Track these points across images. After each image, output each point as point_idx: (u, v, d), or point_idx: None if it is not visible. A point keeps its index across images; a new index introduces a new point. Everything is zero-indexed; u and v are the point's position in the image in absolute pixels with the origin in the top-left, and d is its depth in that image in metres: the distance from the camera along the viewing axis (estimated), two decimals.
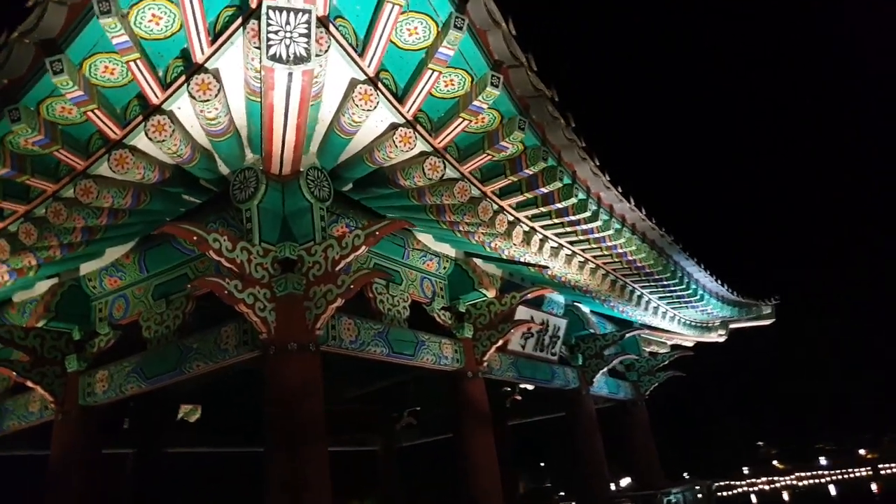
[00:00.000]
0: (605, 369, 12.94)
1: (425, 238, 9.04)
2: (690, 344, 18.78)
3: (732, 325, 19.03)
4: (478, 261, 9.99)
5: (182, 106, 5.51)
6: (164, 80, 5.35)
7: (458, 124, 6.20)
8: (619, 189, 8.24)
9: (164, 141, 5.61)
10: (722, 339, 19.29)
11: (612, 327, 15.06)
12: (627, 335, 13.08)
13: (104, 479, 8.43)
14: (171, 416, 12.99)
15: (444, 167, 6.54)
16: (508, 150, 6.64)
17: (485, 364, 9.34)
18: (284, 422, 6.21)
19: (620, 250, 9.67)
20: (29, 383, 7.87)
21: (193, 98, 5.08)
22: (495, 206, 7.51)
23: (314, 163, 6.89)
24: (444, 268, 9.48)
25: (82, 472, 7.82)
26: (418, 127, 6.33)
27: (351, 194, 7.72)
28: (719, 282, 13.61)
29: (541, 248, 8.69)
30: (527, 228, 8.25)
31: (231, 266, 6.23)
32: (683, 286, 12.14)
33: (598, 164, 7.37)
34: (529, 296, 9.43)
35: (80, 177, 6.19)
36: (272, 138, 5.85)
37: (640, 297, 12.37)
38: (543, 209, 7.79)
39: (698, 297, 13.05)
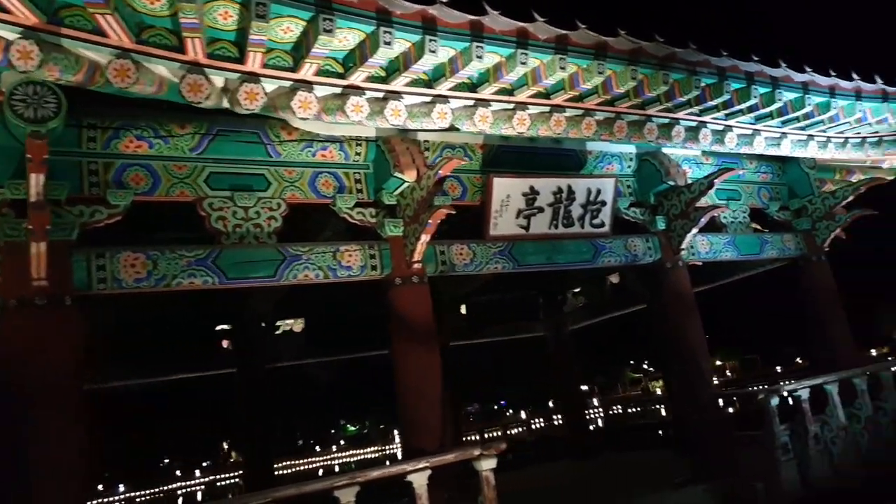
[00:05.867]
0: (695, 230, 9.53)
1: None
2: None
3: None
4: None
5: None
6: None
7: None
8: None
9: None
10: None
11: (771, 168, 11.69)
12: (717, 180, 9.36)
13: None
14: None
15: None
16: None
17: (416, 265, 7.36)
18: None
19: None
20: None
21: None
22: None
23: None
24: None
25: None
26: None
27: None
28: (857, 77, 8.79)
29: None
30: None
31: None
32: (753, 100, 8.14)
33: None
34: None
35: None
36: None
37: (694, 129, 8.69)
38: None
39: (807, 106, 8.68)
